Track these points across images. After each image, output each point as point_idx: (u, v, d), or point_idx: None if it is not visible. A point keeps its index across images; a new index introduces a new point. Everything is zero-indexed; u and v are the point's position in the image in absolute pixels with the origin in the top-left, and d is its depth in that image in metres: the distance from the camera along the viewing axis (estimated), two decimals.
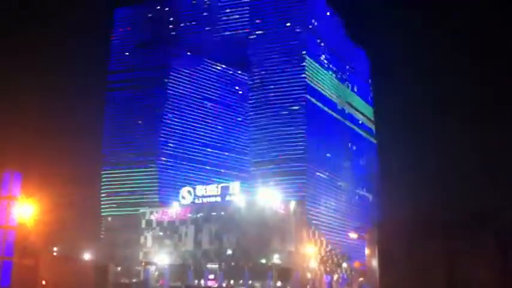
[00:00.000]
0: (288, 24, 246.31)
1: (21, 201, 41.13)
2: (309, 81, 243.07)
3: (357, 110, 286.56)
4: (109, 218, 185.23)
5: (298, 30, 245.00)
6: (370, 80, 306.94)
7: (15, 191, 40.65)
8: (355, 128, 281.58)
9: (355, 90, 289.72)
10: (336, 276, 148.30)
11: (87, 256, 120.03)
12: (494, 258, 38.12)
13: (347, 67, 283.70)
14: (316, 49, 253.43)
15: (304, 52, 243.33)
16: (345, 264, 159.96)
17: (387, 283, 61.39)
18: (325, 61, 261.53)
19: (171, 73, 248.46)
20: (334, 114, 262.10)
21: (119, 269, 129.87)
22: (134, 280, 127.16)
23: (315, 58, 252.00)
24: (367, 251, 79.81)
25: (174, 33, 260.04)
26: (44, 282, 75.06)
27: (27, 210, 41.85)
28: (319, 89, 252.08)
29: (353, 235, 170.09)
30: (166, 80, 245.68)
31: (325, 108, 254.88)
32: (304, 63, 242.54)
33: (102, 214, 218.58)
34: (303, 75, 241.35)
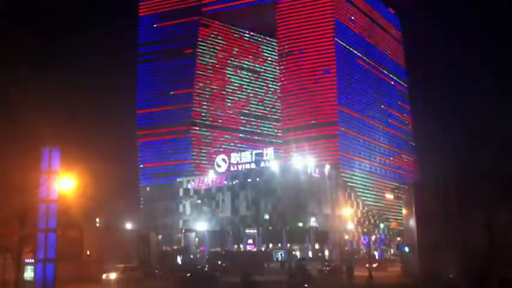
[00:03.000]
0: None
1: (61, 176, 42.30)
2: (339, 44, 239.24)
3: (389, 71, 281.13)
4: (147, 188, 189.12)
5: None
6: (401, 41, 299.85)
7: (55, 166, 41.78)
8: (388, 88, 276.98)
9: (387, 51, 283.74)
10: (373, 237, 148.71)
11: (128, 226, 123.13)
12: None
13: (378, 28, 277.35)
14: (345, 11, 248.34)
15: (333, 14, 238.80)
16: (382, 225, 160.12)
17: (425, 243, 61.25)
18: (355, 22, 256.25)
19: (200, 43, 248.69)
20: (366, 76, 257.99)
21: (160, 237, 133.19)
22: (175, 247, 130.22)
23: (344, 20, 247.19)
24: (404, 212, 79.48)
25: (201, 2, 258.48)
26: (88, 253, 77.48)
27: (67, 184, 43.07)
28: (350, 51, 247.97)
29: (389, 196, 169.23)
30: (195, 50, 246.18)
31: (356, 70, 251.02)
32: (333, 26, 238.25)
33: (140, 185, 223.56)
34: (333, 38, 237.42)
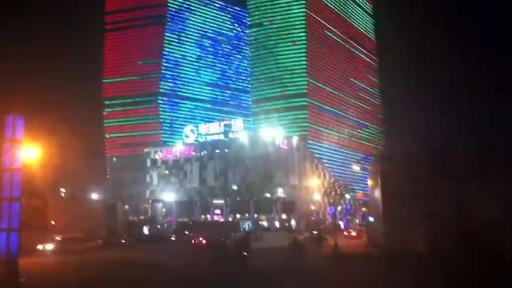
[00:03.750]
0: None
1: (26, 145, 41.28)
2: (309, 14, 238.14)
3: (359, 43, 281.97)
4: (114, 159, 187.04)
5: None
6: (372, 13, 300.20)
7: (19, 134, 40.73)
8: (357, 61, 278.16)
9: (357, 22, 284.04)
10: (339, 208, 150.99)
11: (95, 196, 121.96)
12: (502, 191, 38.51)
13: (349, 1, 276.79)
14: None
15: None
16: (348, 196, 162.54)
17: (390, 214, 62.18)
18: None
19: (169, 11, 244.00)
20: (336, 48, 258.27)
21: (127, 207, 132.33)
22: (142, 217, 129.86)
23: None
24: (369, 182, 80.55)
25: None
26: (53, 223, 76.53)
27: (32, 153, 42.09)
28: (320, 22, 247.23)
29: (356, 167, 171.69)
30: (164, 19, 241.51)
31: (327, 43, 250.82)
32: None
33: (107, 155, 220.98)
34: (303, 9, 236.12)
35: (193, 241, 73.91)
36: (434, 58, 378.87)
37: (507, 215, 35.56)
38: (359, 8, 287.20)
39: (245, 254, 41.45)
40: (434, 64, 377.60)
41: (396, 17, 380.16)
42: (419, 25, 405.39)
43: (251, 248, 50.13)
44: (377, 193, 72.00)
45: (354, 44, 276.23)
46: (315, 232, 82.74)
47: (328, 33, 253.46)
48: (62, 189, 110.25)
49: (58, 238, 70.82)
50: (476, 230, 38.10)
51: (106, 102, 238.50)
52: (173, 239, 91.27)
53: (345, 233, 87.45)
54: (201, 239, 71.76)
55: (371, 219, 77.38)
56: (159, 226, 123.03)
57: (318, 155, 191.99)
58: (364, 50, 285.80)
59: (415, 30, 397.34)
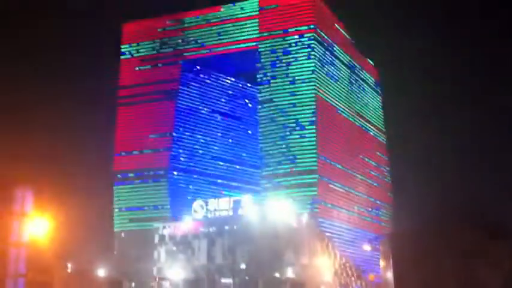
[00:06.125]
0: (296, 36, 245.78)
1: (33, 218, 40.96)
2: (318, 93, 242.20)
3: (368, 120, 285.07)
4: (122, 234, 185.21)
5: (306, 41, 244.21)
6: (379, 90, 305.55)
7: (27, 208, 40.55)
8: (367, 139, 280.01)
9: (366, 100, 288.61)
10: None
11: (101, 272, 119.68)
12: (509, 271, 37.29)
13: (356, 77, 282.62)
14: (325, 60, 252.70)
15: (313, 63, 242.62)
16: (359, 277, 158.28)
17: None
18: (334, 71, 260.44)
19: (181, 87, 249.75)
20: (346, 125, 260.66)
21: (133, 284, 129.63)
22: None
23: (324, 69, 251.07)
24: (381, 263, 78.66)
25: (183, 47, 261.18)
26: None
27: (39, 227, 41.69)
28: (330, 101, 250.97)
29: (367, 247, 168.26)
30: (176, 94, 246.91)
31: (337, 120, 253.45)
32: (313, 74, 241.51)
33: (115, 230, 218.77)
34: (313, 87, 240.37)
35: None
36: (443, 136, 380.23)
37: None
38: (366, 85, 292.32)
39: None
40: (442, 143, 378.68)
41: (403, 93, 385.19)
42: (428, 97, 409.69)
43: None
44: (389, 274, 70.11)
45: (362, 121, 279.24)
46: None
47: (338, 111, 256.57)
48: (68, 265, 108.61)
49: None
50: None
51: (116, 176, 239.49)
52: None
53: None
54: None
55: None
56: None
57: (328, 234, 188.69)
58: (373, 127, 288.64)
59: (423, 103, 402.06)
